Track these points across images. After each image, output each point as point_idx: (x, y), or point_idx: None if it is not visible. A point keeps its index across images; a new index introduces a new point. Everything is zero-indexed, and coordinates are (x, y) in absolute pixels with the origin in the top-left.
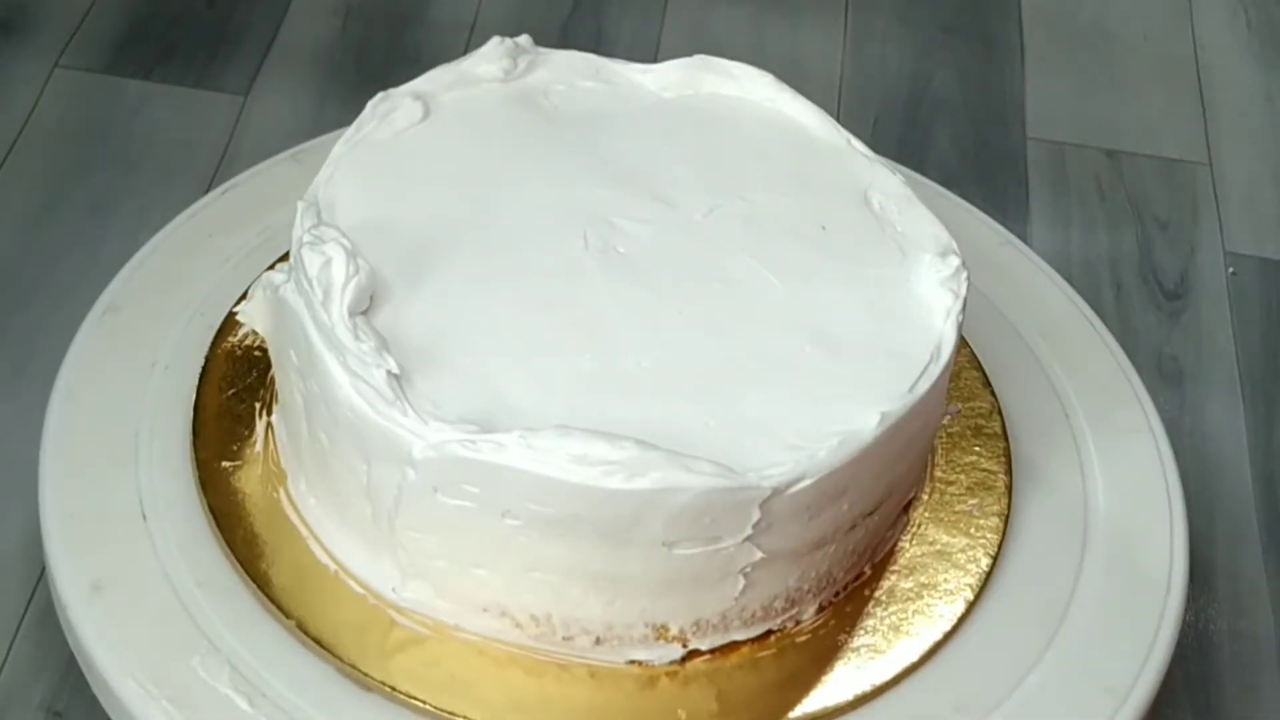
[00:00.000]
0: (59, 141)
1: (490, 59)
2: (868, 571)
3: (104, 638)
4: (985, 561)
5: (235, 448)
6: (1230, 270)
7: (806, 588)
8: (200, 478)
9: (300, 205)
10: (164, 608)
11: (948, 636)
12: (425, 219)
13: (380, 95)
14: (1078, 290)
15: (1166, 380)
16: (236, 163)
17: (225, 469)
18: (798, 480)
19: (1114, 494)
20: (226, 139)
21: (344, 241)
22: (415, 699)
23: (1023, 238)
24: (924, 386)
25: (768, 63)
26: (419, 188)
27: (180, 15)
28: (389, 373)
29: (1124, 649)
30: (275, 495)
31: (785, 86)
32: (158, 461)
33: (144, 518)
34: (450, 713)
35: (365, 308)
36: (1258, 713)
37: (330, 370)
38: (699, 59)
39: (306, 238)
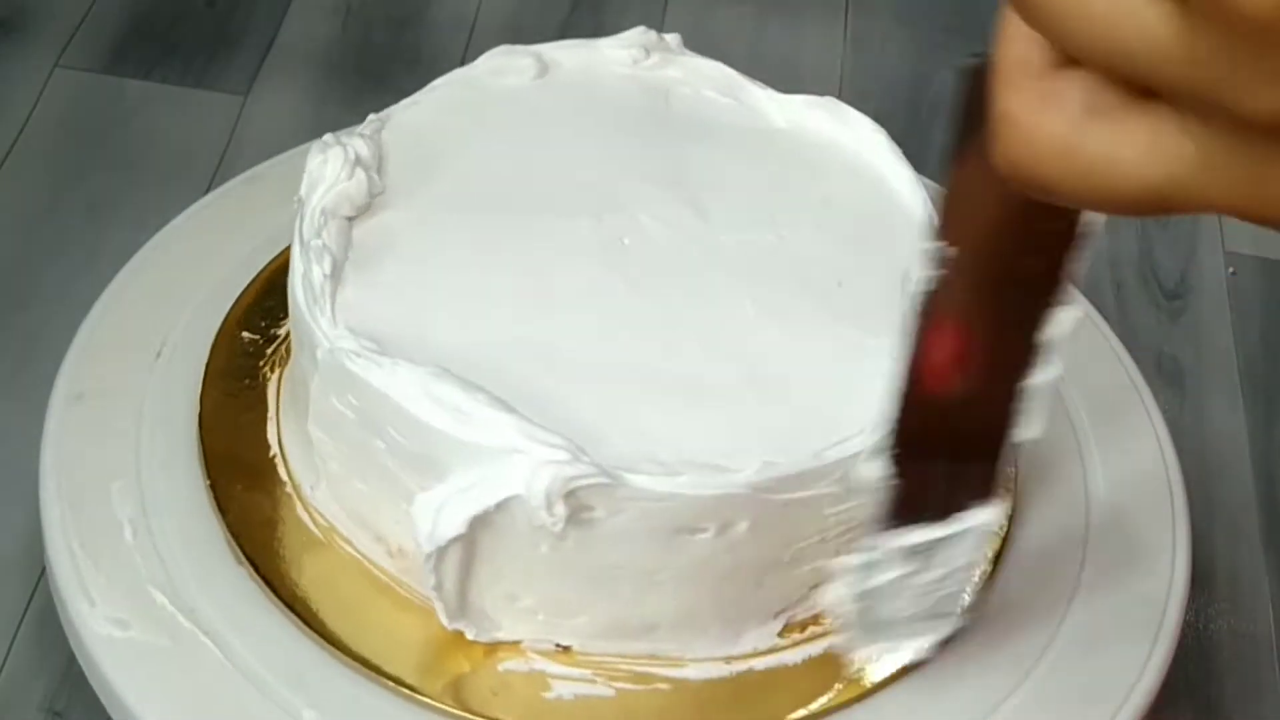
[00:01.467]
0: (59, 141)
1: (627, 44)
2: None
3: (103, 636)
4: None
5: (238, 441)
6: (1230, 270)
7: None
8: (206, 469)
9: (371, 115)
10: (166, 607)
11: (944, 636)
12: (466, 158)
13: (505, 47)
14: (1078, 290)
15: (1166, 380)
16: (236, 163)
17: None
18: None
19: (1115, 494)
20: (226, 139)
21: (353, 152)
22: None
23: None
24: (832, 455)
25: (768, 63)
26: (483, 131)
27: (180, 15)
28: (323, 273)
29: (1124, 649)
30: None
31: (895, 149)
32: (159, 459)
33: (145, 517)
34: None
35: (350, 214)
36: (1258, 713)
37: (295, 262)
38: (828, 100)
39: (329, 137)
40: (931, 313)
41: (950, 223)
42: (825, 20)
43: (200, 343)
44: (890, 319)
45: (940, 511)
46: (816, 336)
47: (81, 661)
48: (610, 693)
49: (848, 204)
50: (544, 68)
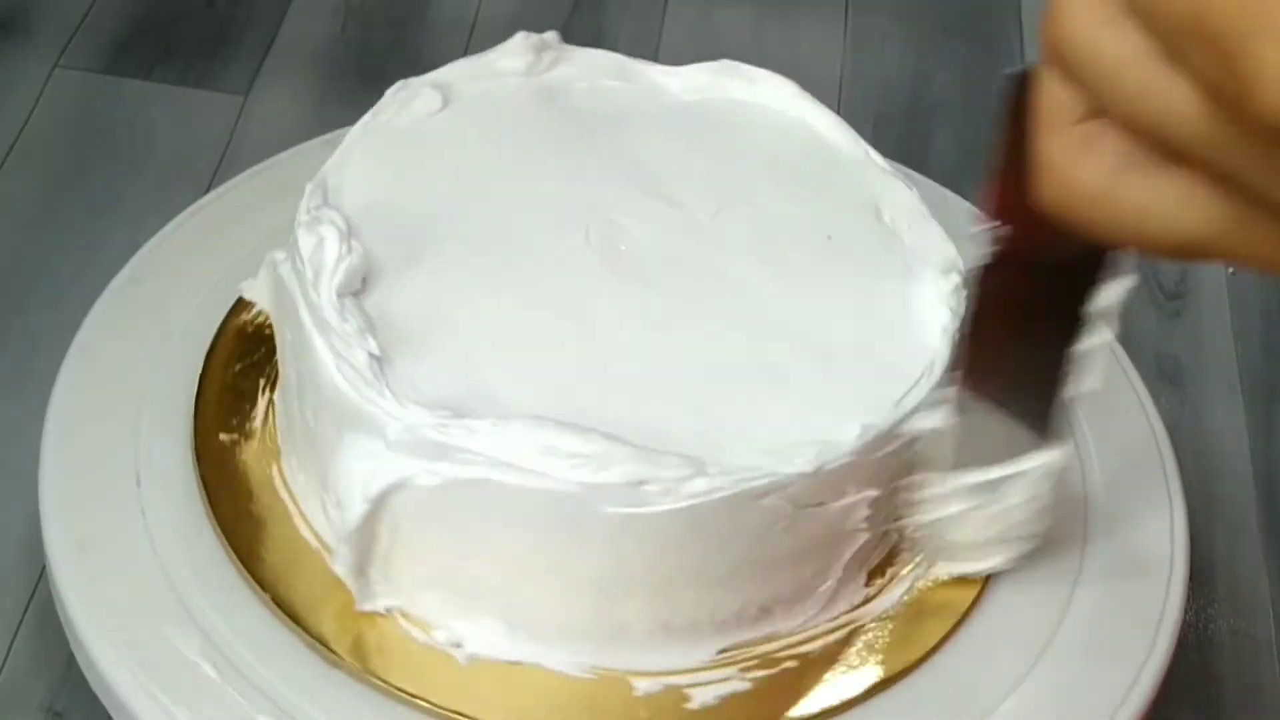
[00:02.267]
0: (59, 141)
1: (514, 53)
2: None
3: (103, 637)
4: None
5: (235, 433)
6: (1230, 270)
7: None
8: (200, 471)
9: (308, 187)
10: (166, 607)
11: (945, 637)
12: (429, 206)
13: (400, 83)
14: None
15: (1166, 380)
16: (236, 163)
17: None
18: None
19: (1114, 494)
20: (226, 139)
21: (340, 223)
22: (377, 676)
23: None
24: (911, 402)
25: (768, 63)
26: (428, 176)
27: (180, 15)
28: (370, 354)
29: (1123, 649)
30: (269, 472)
31: (808, 95)
32: (158, 460)
33: (144, 517)
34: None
35: (357, 289)
36: (1258, 713)
37: (316, 349)
38: (724, 64)
39: (305, 217)
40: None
41: (1001, 210)
42: (825, 20)
43: (200, 341)
44: (888, 259)
45: (1001, 451)
46: (839, 292)
47: (80, 661)
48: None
49: (792, 158)
50: (447, 98)
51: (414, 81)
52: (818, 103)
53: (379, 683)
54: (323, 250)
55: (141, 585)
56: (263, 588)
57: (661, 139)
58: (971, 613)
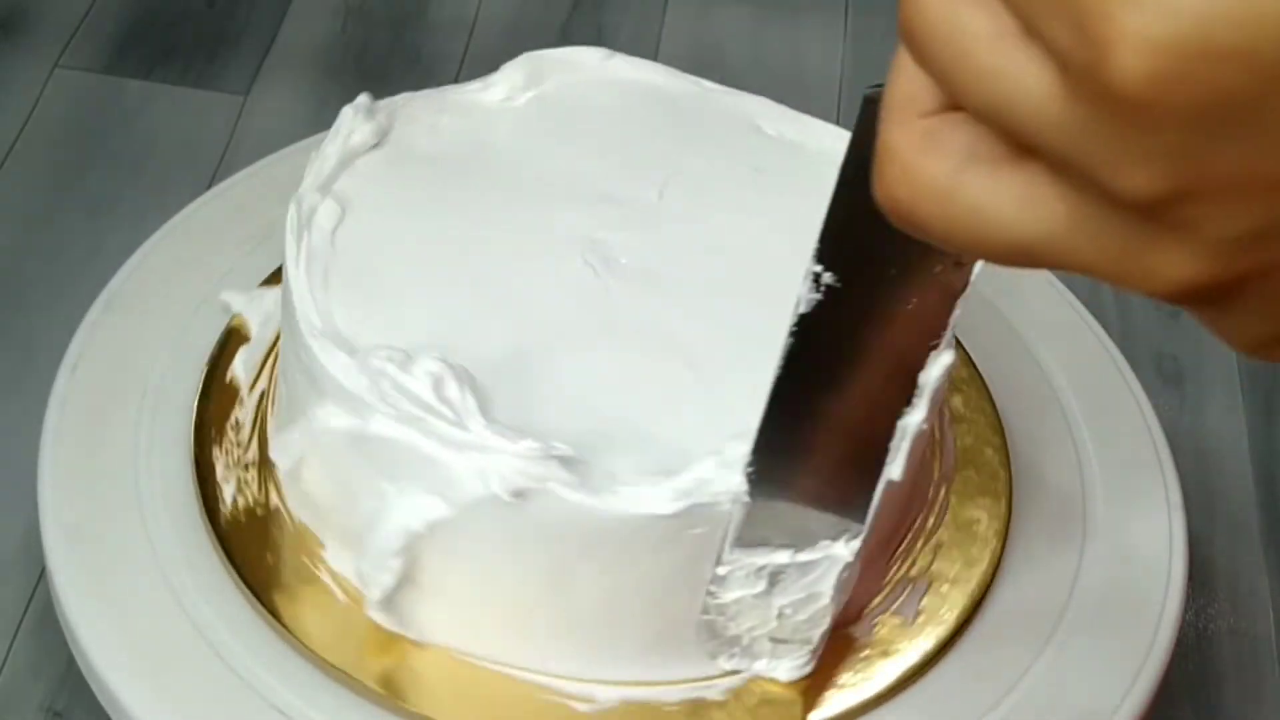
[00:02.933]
0: (59, 141)
1: (346, 129)
2: None
3: (103, 637)
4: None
5: (234, 443)
6: None
7: None
8: (199, 470)
9: (290, 218)
10: (165, 607)
11: (946, 640)
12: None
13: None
14: (1077, 290)
15: (1166, 380)
16: (236, 163)
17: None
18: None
19: (1113, 494)
20: (226, 139)
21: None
22: (405, 704)
23: None
24: None
25: (768, 63)
26: (422, 201)
27: (180, 15)
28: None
29: (1123, 649)
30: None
31: (615, 53)
32: (157, 460)
33: (144, 517)
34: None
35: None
36: (1258, 713)
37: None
38: (526, 57)
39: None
40: (814, 334)
41: (834, 247)
42: (825, 20)
43: (200, 342)
44: (804, 170)
45: (795, 538)
46: (785, 218)
47: (80, 662)
48: None
49: (661, 119)
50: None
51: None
52: (627, 56)
53: (376, 690)
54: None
55: (141, 585)
56: (260, 590)
57: (532, 151)
58: (971, 613)
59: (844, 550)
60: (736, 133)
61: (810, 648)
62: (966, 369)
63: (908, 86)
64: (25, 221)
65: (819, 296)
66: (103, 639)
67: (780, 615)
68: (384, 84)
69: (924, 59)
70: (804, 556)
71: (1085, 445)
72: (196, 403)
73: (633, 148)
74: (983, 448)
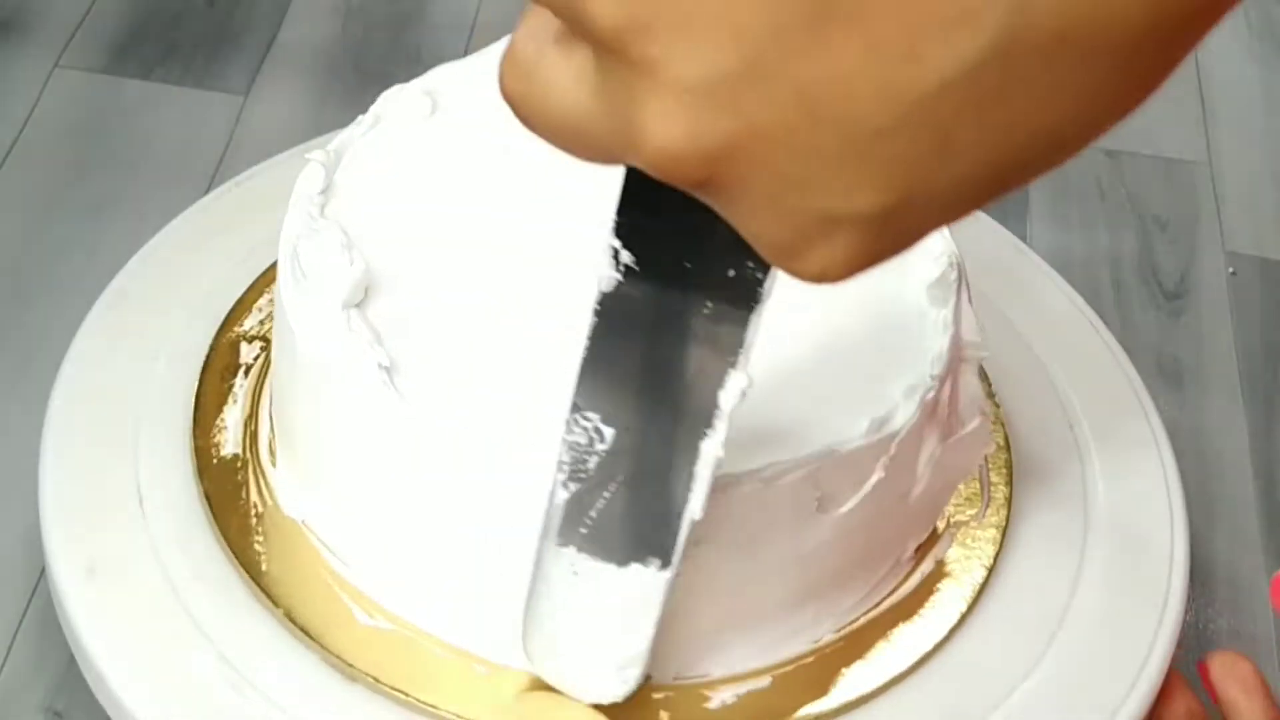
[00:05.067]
0: (59, 141)
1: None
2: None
3: (103, 637)
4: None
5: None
6: (1230, 270)
7: None
8: (198, 467)
9: (296, 197)
10: (164, 607)
11: (945, 639)
12: (427, 219)
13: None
14: (1078, 290)
15: (1166, 380)
16: (236, 163)
17: (223, 460)
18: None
19: (1114, 494)
20: (226, 139)
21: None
22: (399, 690)
23: (1023, 238)
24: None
25: None
26: (421, 187)
27: (180, 15)
28: (380, 365)
29: (1124, 649)
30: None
31: None
32: (158, 458)
33: (144, 517)
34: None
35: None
36: None
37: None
38: None
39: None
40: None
41: (629, 223)
42: None
43: (200, 342)
44: None
45: (601, 547)
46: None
47: (80, 662)
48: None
49: None
50: (435, 104)
51: (406, 88)
52: None
53: (378, 683)
54: (324, 261)
55: (142, 586)
56: (260, 585)
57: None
58: (972, 613)
59: (656, 578)
60: None
61: (623, 678)
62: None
63: None
64: (25, 221)
65: (619, 276)
66: (103, 639)
67: (596, 629)
68: (384, 84)
69: None
70: (614, 570)
71: (1086, 443)
72: (196, 402)
73: None
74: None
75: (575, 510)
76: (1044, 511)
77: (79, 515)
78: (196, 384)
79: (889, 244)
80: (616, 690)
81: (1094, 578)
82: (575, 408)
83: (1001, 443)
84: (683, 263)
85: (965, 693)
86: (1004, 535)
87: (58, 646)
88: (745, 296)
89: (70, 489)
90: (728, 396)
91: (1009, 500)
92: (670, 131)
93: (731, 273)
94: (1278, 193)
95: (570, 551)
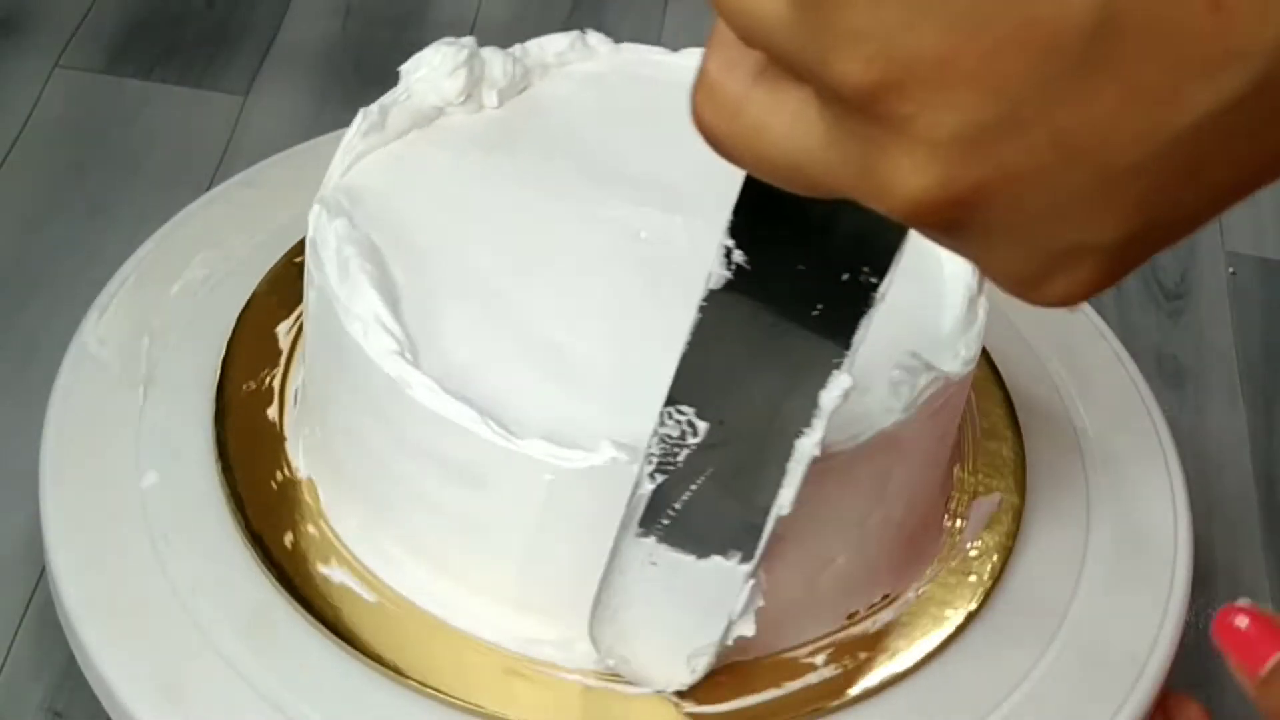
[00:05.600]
0: (59, 141)
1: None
2: None
3: (103, 637)
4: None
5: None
6: (1230, 270)
7: None
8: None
9: (317, 205)
10: (165, 607)
11: (946, 639)
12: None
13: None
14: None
15: (1166, 380)
16: (236, 163)
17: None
18: None
19: (1115, 494)
20: (226, 139)
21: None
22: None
23: None
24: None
25: None
26: (433, 197)
27: (180, 15)
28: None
29: (1123, 649)
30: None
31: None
32: (158, 459)
33: (144, 517)
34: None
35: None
36: (1258, 714)
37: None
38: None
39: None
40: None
41: (746, 224)
42: None
43: (199, 342)
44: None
45: (685, 538)
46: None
47: (80, 662)
48: None
49: None
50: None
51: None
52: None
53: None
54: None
55: (141, 585)
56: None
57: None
58: (973, 613)
59: (735, 571)
60: None
61: (691, 667)
62: (983, 366)
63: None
64: (25, 221)
65: (728, 275)
66: (102, 638)
67: (667, 620)
68: (384, 84)
69: None
70: (692, 563)
71: (1089, 443)
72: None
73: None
74: (999, 445)
75: (659, 502)
76: (1046, 511)
77: (79, 515)
78: (197, 384)
79: (1128, 266)
80: (684, 678)
81: (1096, 576)
82: (670, 400)
83: (1014, 455)
84: (797, 265)
85: (966, 691)
86: (1015, 531)
87: (58, 646)
88: (858, 301)
89: (70, 489)
90: (829, 396)
91: (1021, 495)
92: (921, 182)
93: (846, 277)
94: (1278, 193)
95: (650, 542)
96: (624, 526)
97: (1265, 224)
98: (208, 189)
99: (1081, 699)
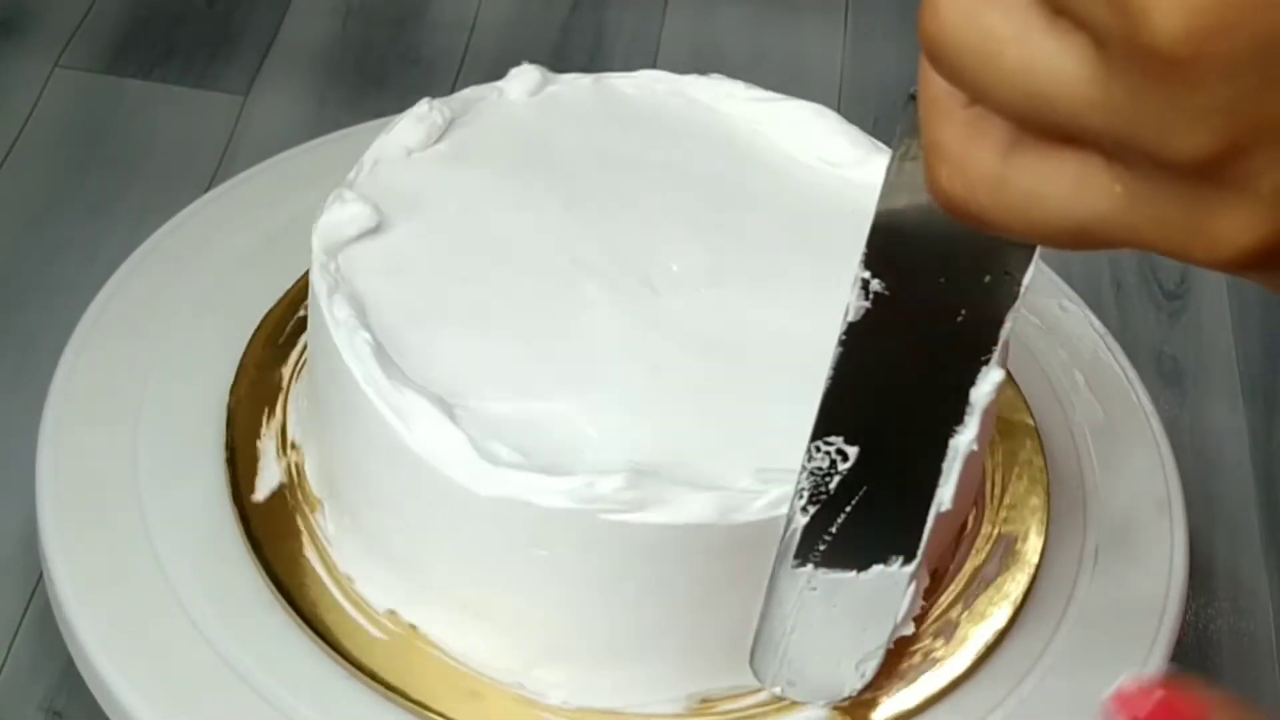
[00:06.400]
0: (59, 141)
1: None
2: None
3: (102, 637)
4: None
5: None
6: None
7: None
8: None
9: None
10: (164, 607)
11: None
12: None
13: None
14: (1078, 290)
15: (1166, 380)
16: (236, 163)
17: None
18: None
19: (1114, 494)
20: (226, 139)
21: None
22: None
23: None
24: None
25: (768, 63)
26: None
27: (180, 15)
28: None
29: (1123, 649)
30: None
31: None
32: (157, 459)
33: (144, 517)
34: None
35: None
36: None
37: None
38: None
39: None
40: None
41: (881, 253)
42: (825, 20)
43: (199, 342)
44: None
45: (844, 559)
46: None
47: (80, 662)
48: None
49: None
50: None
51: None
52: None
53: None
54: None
55: (141, 586)
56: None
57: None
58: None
59: (898, 574)
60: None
61: (860, 673)
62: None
63: (944, 82)
64: (25, 221)
65: (867, 305)
66: (103, 639)
67: (832, 636)
68: (384, 84)
69: (950, 70)
70: (853, 578)
71: (1086, 443)
72: (191, 401)
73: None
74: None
75: (814, 531)
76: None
77: (78, 516)
78: (196, 384)
79: None
80: (855, 685)
81: (1094, 578)
82: (816, 435)
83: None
84: (937, 279)
85: (965, 691)
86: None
87: (58, 646)
88: (1002, 298)
89: (69, 490)
90: (981, 392)
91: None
92: (1260, 234)
93: (988, 279)
94: None
95: (807, 570)
96: (779, 561)
97: None
98: (208, 189)
99: (1079, 699)
